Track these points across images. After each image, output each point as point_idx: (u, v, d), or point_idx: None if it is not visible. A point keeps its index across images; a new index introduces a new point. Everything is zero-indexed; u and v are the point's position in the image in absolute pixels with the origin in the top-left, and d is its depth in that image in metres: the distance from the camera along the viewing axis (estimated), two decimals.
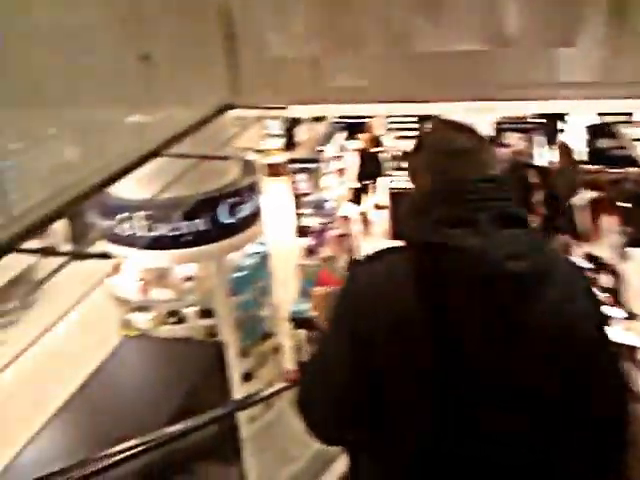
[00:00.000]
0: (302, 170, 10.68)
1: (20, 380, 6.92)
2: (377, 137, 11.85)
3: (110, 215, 4.67)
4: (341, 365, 1.29)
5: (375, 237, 10.60)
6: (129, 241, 4.63)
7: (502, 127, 10.77)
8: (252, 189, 5.14)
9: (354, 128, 12.27)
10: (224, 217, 4.86)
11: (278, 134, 14.21)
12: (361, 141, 11.04)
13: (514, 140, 10.36)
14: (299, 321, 6.85)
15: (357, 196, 11.25)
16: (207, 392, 3.56)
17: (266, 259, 5.48)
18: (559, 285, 1.25)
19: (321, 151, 11.02)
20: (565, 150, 8.55)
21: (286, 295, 6.89)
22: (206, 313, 5.10)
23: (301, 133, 14.39)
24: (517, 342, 1.21)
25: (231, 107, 4.60)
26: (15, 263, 6.20)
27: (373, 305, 1.27)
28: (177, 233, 4.71)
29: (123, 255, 4.82)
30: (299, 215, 10.97)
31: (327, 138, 11.77)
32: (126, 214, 4.57)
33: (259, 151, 13.34)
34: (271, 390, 3.81)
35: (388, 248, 1.38)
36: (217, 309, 5.09)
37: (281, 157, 13.18)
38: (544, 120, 10.83)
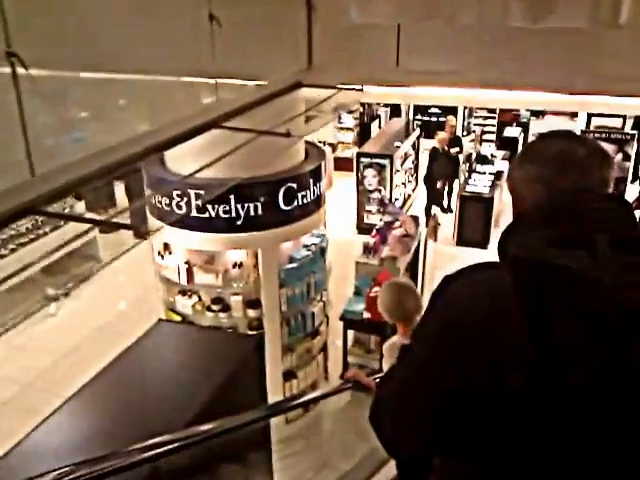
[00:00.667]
0: (371, 165, 10.29)
1: (67, 351, 6.90)
2: (456, 137, 11.32)
3: (163, 190, 4.43)
4: (431, 393, 1.22)
5: (441, 242, 10.11)
6: (179, 219, 4.39)
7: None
8: (316, 176, 4.79)
9: (432, 126, 11.72)
10: (282, 203, 4.54)
11: (350, 127, 13.86)
12: (437, 140, 10.46)
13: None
14: (350, 322, 6.48)
15: (433, 197, 10.74)
16: (240, 389, 3.25)
17: (322, 252, 5.11)
18: None
19: (397, 147, 10.57)
20: None
21: (341, 292, 6.60)
22: (252, 303, 4.79)
23: (375, 128, 13.95)
24: (625, 384, 1.06)
25: (302, 85, 4.28)
26: (72, 237, 6.11)
27: (475, 334, 1.14)
28: (230, 216, 4.42)
29: (161, 232, 4.59)
30: (364, 212, 10.64)
31: (402, 135, 11.30)
32: (179, 191, 4.32)
33: (330, 144, 13.03)
34: (313, 395, 3.48)
35: (484, 264, 1.27)
36: (264, 300, 4.78)
37: (351, 151, 12.84)
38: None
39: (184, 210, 4.33)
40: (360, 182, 10.39)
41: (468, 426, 1.17)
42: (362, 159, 10.36)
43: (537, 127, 13.00)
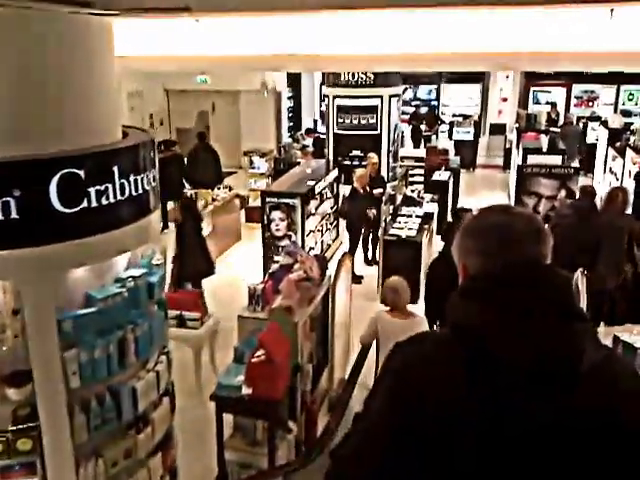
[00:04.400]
0: (278, 207, 8.55)
1: None
2: (379, 177, 9.82)
3: None
4: (385, 460, 1.25)
5: (363, 296, 8.36)
6: None
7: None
8: (131, 162, 2.96)
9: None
10: (58, 200, 2.66)
11: (264, 173, 12.20)
12: (356, 178, 8.89)
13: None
14: (226, 401, 4.54)
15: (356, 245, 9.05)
16: None
17: (150, 291, 3.20)
18: (612, 385, 1.22)
19: (310, 186, 8.91)
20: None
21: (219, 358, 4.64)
22: (17, 378, 2.80)
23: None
24: (567, 441, 1.17)
25: None
26: None
27: (425, 402, 1.21)
28: None
29: None
30: (272, 263, 8.83)
31: (320, 175, 9.70)
32: None
33: (241, 197, 11.24)
34: None
35: (433, 332, 1.59)
36: (35, 372, 2.78)
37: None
38: None
39: None
40: (266, 228, 8.61)
41: None
42: (268, 199, 8.62)
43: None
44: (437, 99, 18.93)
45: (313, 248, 8.95)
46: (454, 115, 17.98)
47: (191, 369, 5.99)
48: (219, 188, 10.46)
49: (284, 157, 12.44)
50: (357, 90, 11.93)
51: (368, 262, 9.50)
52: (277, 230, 8.62)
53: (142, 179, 3.03)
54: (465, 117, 17.66)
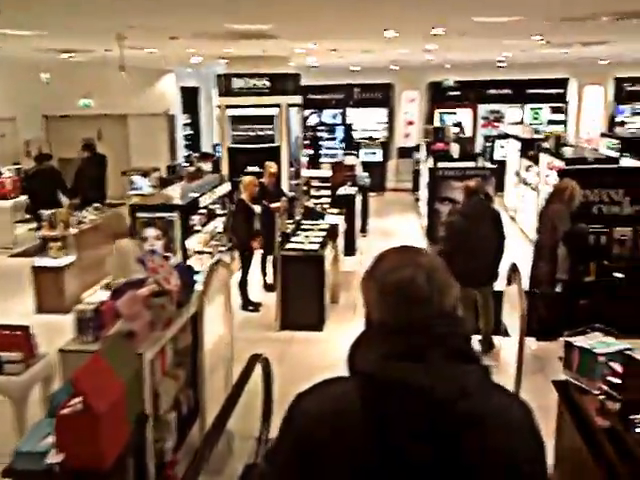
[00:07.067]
0: (152, 222, 7.06)
1: None
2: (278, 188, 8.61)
3: None
4: None
5: (261, 327, 6.97)
6: None
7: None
8: None
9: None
10: None
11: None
12: (243, 186, 7.58)
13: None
14: (25, 477, 3.00)
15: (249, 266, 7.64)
16: None
17: None
18: (502, 426, 1.26)
19: (193, 198, 7.50)
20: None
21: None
22: None
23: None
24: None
25: None
26: None
27: (324, 450, 1.26)
28: None
29: None
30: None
31: (208, 187, 8.32)
32: None
33: None
34: None
35: (335, 379, 1.36)
36: None
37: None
38: None
39: None
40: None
41: None
42: (139, 214, 7.12)
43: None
44: (343, 123, 18.20)
45: (198, 272, 7.48)
46: (361, 138, 17.27)
47: (11, 429, 4.32)
48: (98, 207, 8.91)
49: (172, 178, 10.96)
50: (252, 99, 10.74)
51: (267, 287, 8.12)
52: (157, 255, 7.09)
53: None
54: (372, 139, 17.01)
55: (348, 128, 17.25)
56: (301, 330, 6.77)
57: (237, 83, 10.73)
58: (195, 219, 7.56)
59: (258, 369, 4.04)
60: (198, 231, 7.67)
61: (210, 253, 7.99)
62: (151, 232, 7.09)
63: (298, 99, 11.67)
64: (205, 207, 7.89)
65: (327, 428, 1.25)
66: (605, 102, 17.32)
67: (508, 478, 1.23)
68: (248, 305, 7.56)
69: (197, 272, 5.03)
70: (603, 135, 14.13)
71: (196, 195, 7.64)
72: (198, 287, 4.46)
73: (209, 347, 4.66)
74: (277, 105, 10.78)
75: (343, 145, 16.94)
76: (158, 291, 3.83)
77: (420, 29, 7.59)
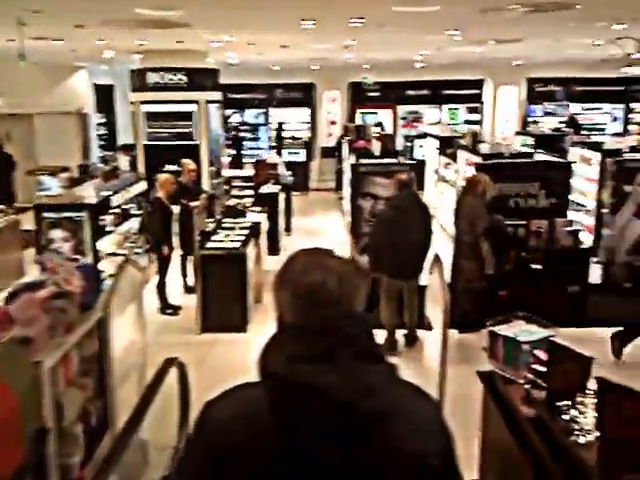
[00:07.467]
0: (59, 223, 6.59)
1: None
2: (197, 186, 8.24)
3: None
4: None
5: (181, 330, 6.65)
6: None
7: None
8: None
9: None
10: None
11: None
12: (159, 184, 7.23)
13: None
14: None
15: (165, 268, 7.25)
16: None
17: None
18: (409, 423, 1.28)
19: (104, 196, 7.05)
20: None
21: None
22: None
23: None
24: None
25: None
26: None
27: (234, 456, 1.26)
28: None
29: None
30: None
31: (124, 184, 7.86)
32: None
33: None
34: None
35: (245, 384, 1.36)
36: None
37: None
38: None
39: None
40: (41, 251, 6.57)
41: None
42: (45, 215, 6.63)
43: None
44: (266, 123, 17.95)
45: (111, 275, 7.05)
46: (284, 138, 17.09)
47: None
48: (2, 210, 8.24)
49: (84, 177, 10.35)
50: (168, 94, 10.31)
51: (188, 290, 7.78)
52: (60, 254, 6.61)
53: None
54: (295, 139, 16.87)
55: (279, 127, 16.98)
56: (224, 332, 6.51)
57: (152, 78, 10.28)
58: (107, 219, 7.12)
59: (176, 375, 3.77)
60: (111, 232, 7.24)
61: (124, 255, 7.56)
62: (58, 233, 6.64)
63: (217, 95, 11.33)
64: (118, 206, 7.46)
65: (238, 433, 1.25)
66: (518, 102, 18.01)
67: (418, 474, 1.25)
68: (167, 308, 7.22)
69: (109, 275, 4.65)
70: (518, 133, 14.62)
71: (108, 194, 7.20)
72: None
73: (120, 353, 4.32)
74: (195, 101, 10.42)
75: (271, 144, 16.74)
76: (58, 292, 3.48)
77: (339, 20, 7.50)
